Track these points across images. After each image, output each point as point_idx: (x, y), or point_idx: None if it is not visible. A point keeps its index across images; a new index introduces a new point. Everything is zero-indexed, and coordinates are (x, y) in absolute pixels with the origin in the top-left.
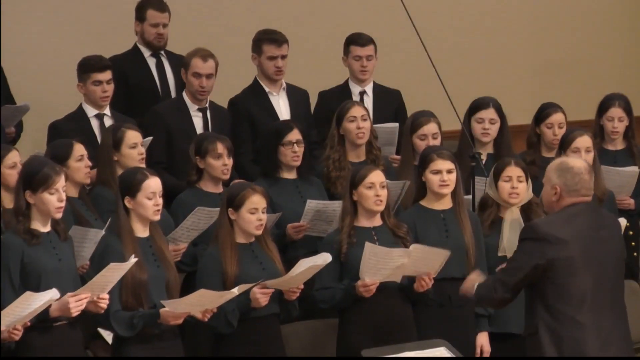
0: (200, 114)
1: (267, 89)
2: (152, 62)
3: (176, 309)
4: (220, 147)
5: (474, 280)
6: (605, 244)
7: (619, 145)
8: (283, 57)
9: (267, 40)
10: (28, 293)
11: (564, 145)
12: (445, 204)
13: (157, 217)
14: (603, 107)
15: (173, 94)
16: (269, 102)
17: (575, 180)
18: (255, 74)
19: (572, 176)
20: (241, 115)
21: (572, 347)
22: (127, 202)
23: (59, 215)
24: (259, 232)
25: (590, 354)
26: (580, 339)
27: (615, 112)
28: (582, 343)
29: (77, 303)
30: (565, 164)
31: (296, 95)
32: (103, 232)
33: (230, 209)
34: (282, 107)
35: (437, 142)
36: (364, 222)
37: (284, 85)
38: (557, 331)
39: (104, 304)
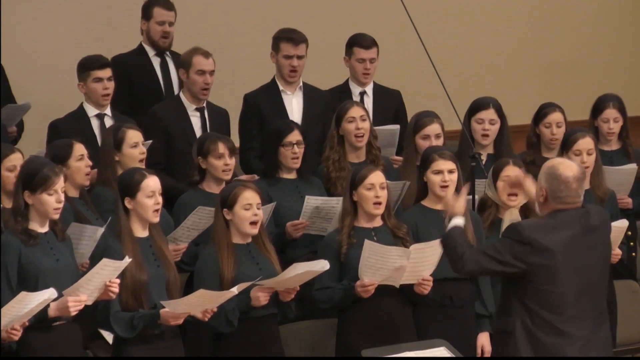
0: (198, 114)
1: (281, 88)
2: (156, 62)
3: (176, 309)
4: (222, 147)
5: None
6: (592, 249)
7: (614, 145)
8: (299, 57)
9: (284, 38)
10: (23, 293)
11: (566, 147)
12: None
13: (156, 219)
14: (598, 109)
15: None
16: (281, 101)
17: (561, 187)
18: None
19: (558, 184)
20: (251, 111)
21: (548, 352)
22: (127, 202)
23: (56, 216)
24: (255, 231)
25: None
26: (557, 344)
27: (611, 113)
28: (559, 349)
29: (75, 303)
30: (554, 170)
31: (313, 96)
32: (102, 229)
33: (225, 209)
34: (295, 107)
35: (440, 142)
36: (364, 222)
37: (301, 84)
38: (534, 334)
39: (115, 288)
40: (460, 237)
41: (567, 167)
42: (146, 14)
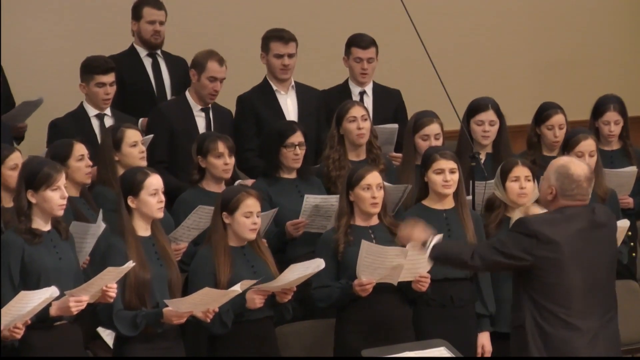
0: (203, 114)
1: (275, 88)
2: (147, 62)
3: (179, 308)
4: (222, 146)
5: (421, 233)
6: (598, 245)
7: (614, 145)
8: (290, 55)
9: (274, 37)
10: (24, 292)
11: (568, 148)
12: (448, 203)
13: (161, 214)
14: (598, 111)
15: (169, 94)
16: (276, 101)
17: (573, 186)
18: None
19: (569, 182)
20: (247, 112)
21: (558, 346)
22: (131, 201)
23: (61, 212)
24: (253, 236)
25: (576, 353)
26: (566, 338)
27: (611, 116)
28: (568, 342)
29: (77, 303)
30: (565, 169)
31: (306, 94)
32: (104, 225)
33: (224, 212)
34: (290, 106)
35: (439, 142)
36: (360, 221)
37: (293, 84)
38: (543, 328)
39: (112, 292)
40: (451, 247)
41: (578, 166)
42: (136, 14)
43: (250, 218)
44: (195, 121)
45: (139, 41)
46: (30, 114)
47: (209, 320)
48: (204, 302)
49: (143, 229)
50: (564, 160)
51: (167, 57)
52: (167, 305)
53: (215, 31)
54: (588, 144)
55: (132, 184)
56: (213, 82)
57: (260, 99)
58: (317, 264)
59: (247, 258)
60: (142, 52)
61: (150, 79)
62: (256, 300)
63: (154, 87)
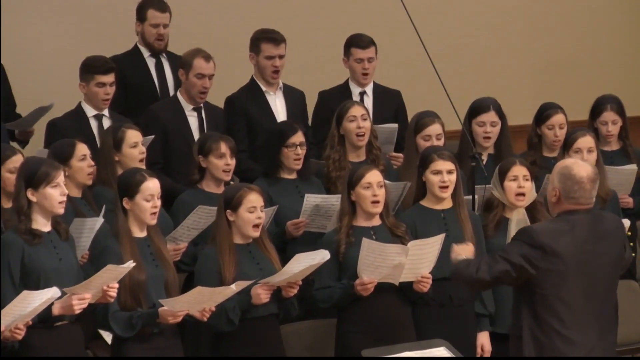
0: (195, 114)
1: (264, 88)
2: (151, 63)
3: (174, 307)
4: (224, 147)
5: (462, 251)
6: (601, 257)
7: (614, 145)
8: (281, 56)
9: (265, 39)
10: (25, 292)
11: (567, 146)
12: (446, 203)
13: (153, 222)
14: (596, 112)
15: (172, 94)
16: (265, 102)
17: (575, 188)
18: (252, 73)
19: (572, 184)
20: (238, 114)
21: (552, 357)
22: (125, 203)
23: (61, 210)
24: (257, 234)
25: None
26: (562, 350)
27: (609, 116)
28: (563, 355)
29: (79, 302)
30: (568, 170)
31: (292, 96)
32: (101, 219)
33: (228, 210)
34: (279, 107)
35: (441, 142)
36: (362, 221)
37: (281, 85)
38: (540, 339)
39: (113, 292)
40: (462, 263)
41: (581, 167)
42: (140, 16)
43: (254, 213)
44: (188, 121)
45: (143, 42)
46: (39, 118)
47: (205, 320)
48: (199, 301)
49: (138, 230)
50: (567, 162)
51: (171, 57)
52: (162, 305)
53: (217, 31)
54: (585, 141)
55: (129, 186)
56: (201, 79)
57: (249, 100)
58: (322, 255)
59: (253, 255)
60: (146, 52)
61: (154, 79)
62: (261, 296)
63: (157, 88)
